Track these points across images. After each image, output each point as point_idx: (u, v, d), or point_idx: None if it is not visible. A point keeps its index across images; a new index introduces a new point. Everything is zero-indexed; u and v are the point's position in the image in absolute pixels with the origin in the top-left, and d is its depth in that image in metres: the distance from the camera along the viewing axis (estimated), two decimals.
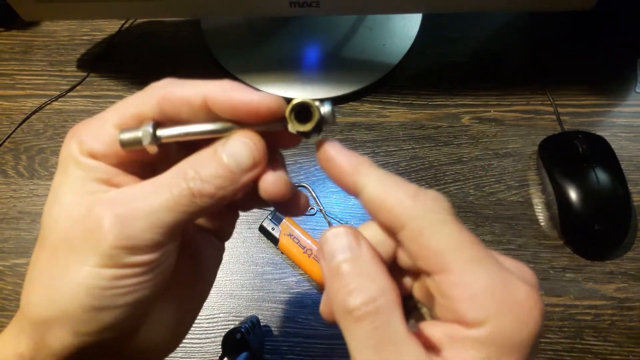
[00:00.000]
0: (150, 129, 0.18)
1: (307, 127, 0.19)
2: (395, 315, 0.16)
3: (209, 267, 0.24)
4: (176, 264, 0.20)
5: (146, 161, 0.20)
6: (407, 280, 0.21)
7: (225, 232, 0.25)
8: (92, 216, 0.18)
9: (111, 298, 0.18)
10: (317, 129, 0.19)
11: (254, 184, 0.19)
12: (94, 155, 0.19)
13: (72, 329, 0.18)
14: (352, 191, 0.19)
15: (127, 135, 0.19)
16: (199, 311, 0.24)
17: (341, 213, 0.47)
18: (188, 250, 0.22)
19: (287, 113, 0.19)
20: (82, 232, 0.18)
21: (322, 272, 0.18)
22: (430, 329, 0.17)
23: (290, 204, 0.22)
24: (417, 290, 0.21)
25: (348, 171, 0.19)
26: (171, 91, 0.19)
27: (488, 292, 0.16)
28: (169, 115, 0.19)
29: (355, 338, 0.16)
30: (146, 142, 0.18)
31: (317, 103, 0.19)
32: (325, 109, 0.19)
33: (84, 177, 0.19)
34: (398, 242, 0.19)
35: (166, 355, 0.22)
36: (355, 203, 0.47)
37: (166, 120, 0.19)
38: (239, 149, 0.18)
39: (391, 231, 0.19)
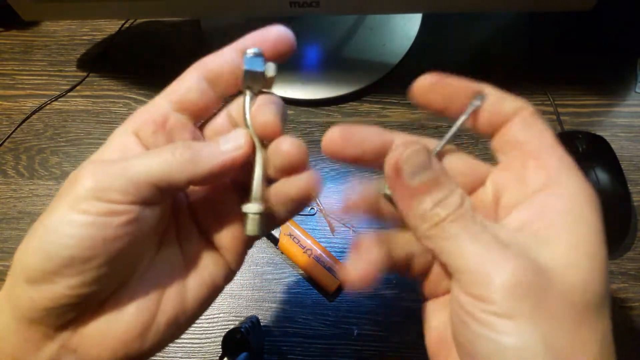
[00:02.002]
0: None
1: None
2: (473, 212, 0.19)
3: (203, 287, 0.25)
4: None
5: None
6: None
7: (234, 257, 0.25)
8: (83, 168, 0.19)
9: (67, 248, 0.18)
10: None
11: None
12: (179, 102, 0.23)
13: (27, 276, 0.18)
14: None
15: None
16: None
17: (341, 213, 0.47)
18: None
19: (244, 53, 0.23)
20: (71, 182, 0.19)
21: (393, 189, 0.20)
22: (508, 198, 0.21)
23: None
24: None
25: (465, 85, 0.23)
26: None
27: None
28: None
29: (456, 241, 0.19)
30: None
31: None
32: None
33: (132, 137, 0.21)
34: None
35: (123, 355, 0.20)
36: None
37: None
38: (234, 135, 0.21)
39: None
